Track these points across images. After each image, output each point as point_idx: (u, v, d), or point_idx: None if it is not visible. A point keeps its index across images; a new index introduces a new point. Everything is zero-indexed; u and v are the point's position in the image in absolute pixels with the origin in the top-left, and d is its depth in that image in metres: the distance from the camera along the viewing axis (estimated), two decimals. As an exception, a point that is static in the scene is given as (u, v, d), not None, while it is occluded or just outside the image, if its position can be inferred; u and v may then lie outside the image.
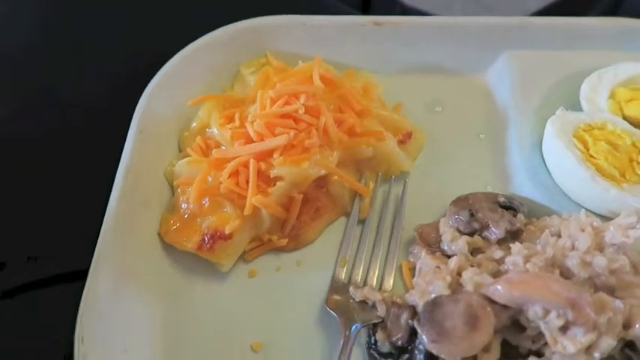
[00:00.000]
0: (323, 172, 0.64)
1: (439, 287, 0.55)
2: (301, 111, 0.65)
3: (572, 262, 0.53)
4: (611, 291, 0.52)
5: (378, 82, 0.76)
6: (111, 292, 0.60)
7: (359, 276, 0.63)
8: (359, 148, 0.67)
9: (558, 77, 0.74)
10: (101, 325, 0.58)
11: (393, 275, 0.63)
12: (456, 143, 0.74)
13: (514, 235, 0.61)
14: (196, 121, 0.72)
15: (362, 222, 0.67)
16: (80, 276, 0.60)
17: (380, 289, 0.62)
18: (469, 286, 0.53)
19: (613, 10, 0.91)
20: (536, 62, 0.76)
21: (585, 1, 0.95)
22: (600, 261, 0.52)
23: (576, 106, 0.71)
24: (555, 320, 0.47)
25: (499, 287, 0.50)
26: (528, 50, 0.77)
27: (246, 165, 0.63)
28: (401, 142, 0.70)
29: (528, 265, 0.54)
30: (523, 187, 0.67)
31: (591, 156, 0.62)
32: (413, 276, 0.62)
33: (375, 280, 0.62)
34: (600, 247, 0.56)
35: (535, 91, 0.73)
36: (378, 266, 0.64)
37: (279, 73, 0.73)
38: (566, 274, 0.54)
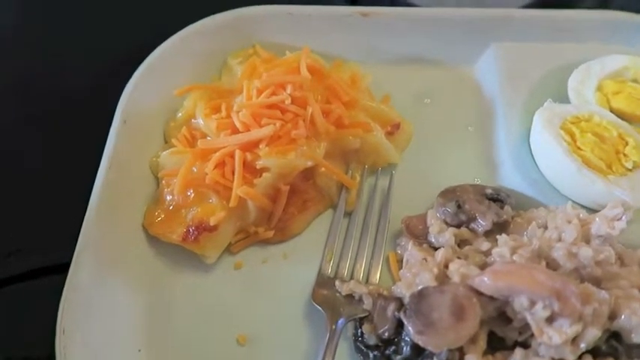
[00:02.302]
0: (310, 163, 0.63)
1: (426, 279, 0.54)
2: (288, 101, 0.64)
3: (559, 253, 0.53)
4: (597, 282, 0.52)
5: (366, 73, 0.75)
6: (93, 283, 0.59)
7: (345, 269, 0.62)
8: (346, 140, 0.66)
9: (546, 69, 0.74)
10: (83, 316, 0.57)
11: (379, 268, 0.62)
12: (444, 135, 0.73)
13: (501, 227, 0.61)
14: (182, 112, 0.71)
15: (349, 214, 0.67)
16: (63, 269, 0.59)
17: (367, 282, 0.61)
18: (456, 278, 0.53)
19: (603, 2, 0.91)
20: (524, 54, 0.75)
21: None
22: (586, 252, 0.52)
23: (564, 99, 0.70)
24: (541, 311, 0.47)
25: (485, 278, 0.50)
26: (516, 42, 0.77)
27: (231, 156, 0.62)
28: (389, 134, 0.70)
29: (515, 257, 0.53)
30: (511, 179, 0.66)
31: (578, 148, 0.62)
32: (400, 268, 0.62)
33: (361, 273, 0.62)
34: (586, 239, 0.56)
35: (523, 83, 0.73)
36: (364, 259, 0.63)
37: (266, 63, 0.72)
38: (552, 266, 0.53)
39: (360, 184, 0.68)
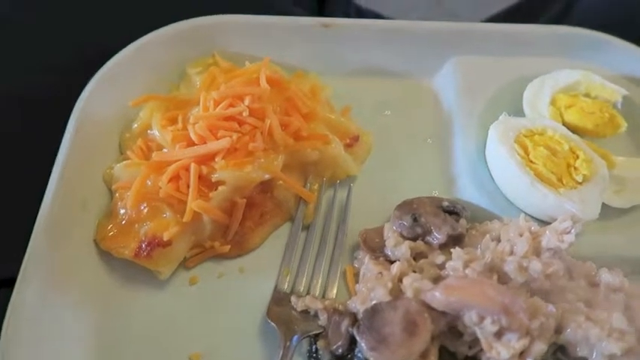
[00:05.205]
0: (267, 176, 0.63)
1: (380, 293, 0.54)
2: (245, 113, 0.63)
3: (510, 267, 0.54)
4: (546, 295, 0.53)
5: (327, 85, 0.75)
6: (40, 300, 0.57)
7: (302, 284, 0.62)
8: (305, 152, 0.66)
9: (503, 83, 0.75)
10: (29, 336, 0.55)
11: (336, 283, 0.62)
12: (403, 147, 0.74)
13: (456, 240, 0.61)
14: (138, 123, 0.69)
15: (307, 228, 0.66)
16: (7, 284, 0.57)
17: (324, 296, 0.61)
18: (409, 293, 0.53)
19: (561, 17, 0.93)
20: (482, 68, 0.77)
21: (536, 7, 0.97)
22: (536, 266, 0.53)
23: (520, 112, 0.72)
24: (490, 326, 0.48)
25: (437, 293, 0.50)
26: (475, 55, 0.78)
27: (187, 169, 0.61)
28: (348, 146, 0.70)
29: (467, 271, 0.54)
30: (467, 191, 0.67)
31: (531, 161, 0.63)
32: (357, 282, 0.61)
33: (318, 288, 0.62)
34: (537, 252, 0.57)
35: (480, 96, 0.74)
36: (322, 273, 0.63)
37: (225, 73, 0.71)
38: (503, 279, 0.54)
39: (318, 196, 0.68)
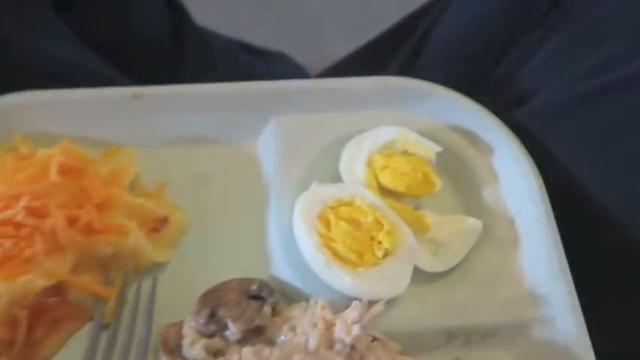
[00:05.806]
0: (49, 283, 0.58)
1: (158, 410, 0.50)
2: (20, 216, 0.58)
3: (294, 367, 0.51)
4: (329, 395, 0.50)
5: (140, 160, 0.71)
6: None
7: (99, 393, 0.58)
8: (97, 247, 0.61)
9: (326, 143, 0.72)
10: None
11: (134, 390, 0.58)
12: (223, 222, 0.69)
13: (258, 331, 0.58)
14: None
15: (108, 327, 0.62)
16: None
17: (119, 407, 0.57)
18: (184, 408, 0.49)
19: (408, 68, 0.91)
20: (304, 127, 0.73)
21: (386, 54, 0.95)
22: (316, 365, 0.50)
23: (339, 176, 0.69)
24: None
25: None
26: (298, 115, 0.75)
27: (-45, 286, 0.56)
28: (153, 231, 0.65)
29: (250, 376, 0.51)
30: (281, 269, 0.64)
31: (330, 239, 0.60)
32: (159, 386, 0.57)
33: (114, 397, 0.57)
34: (331, 343, 0.54)
35: (300, 160, 0.71)
36: (122, 378, 0.59)
37: (19, 161, 0.66)
38: (291, 379, 0.51)
39: (121, 291, 0.63)
